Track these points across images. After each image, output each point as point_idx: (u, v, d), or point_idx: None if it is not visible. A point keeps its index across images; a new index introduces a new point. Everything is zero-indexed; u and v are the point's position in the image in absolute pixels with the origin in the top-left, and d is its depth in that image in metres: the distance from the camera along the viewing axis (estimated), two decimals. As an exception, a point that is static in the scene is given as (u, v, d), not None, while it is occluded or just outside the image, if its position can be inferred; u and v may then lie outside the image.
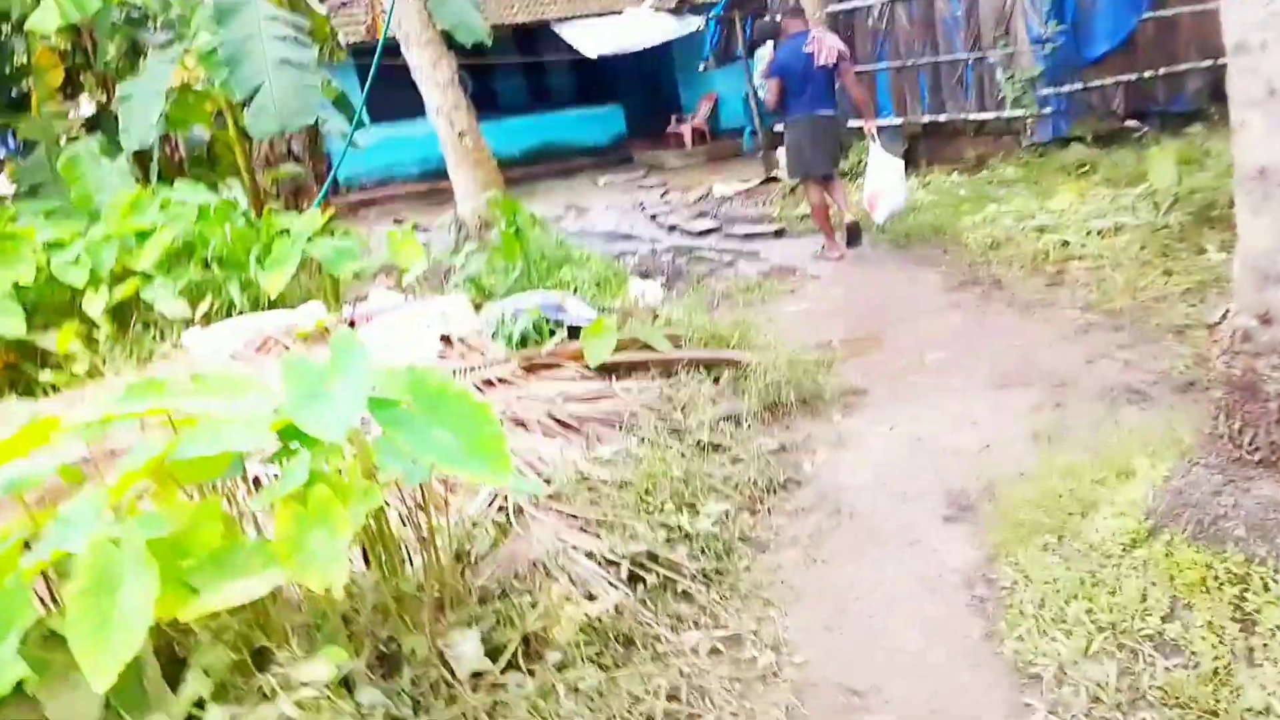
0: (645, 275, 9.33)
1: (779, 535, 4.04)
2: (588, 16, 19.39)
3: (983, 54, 11.44)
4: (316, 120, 12.25)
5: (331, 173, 10.21)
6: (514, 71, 21.42)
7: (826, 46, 8.66)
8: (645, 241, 11.52)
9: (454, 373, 5.54)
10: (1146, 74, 11.20)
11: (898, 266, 8.49)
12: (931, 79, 12.17)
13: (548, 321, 6.26)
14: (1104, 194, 8.86)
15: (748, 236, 10.69)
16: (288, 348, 5.54)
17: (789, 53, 8.81)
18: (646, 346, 5.93)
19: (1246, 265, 3.13)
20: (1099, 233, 7.57)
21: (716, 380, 5.58)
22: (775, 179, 13.43)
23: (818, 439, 5.03)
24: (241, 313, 6.48)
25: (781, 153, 13.41)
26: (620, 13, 19.53)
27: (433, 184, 19.19)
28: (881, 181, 9.08)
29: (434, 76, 10.23)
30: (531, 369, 5.61)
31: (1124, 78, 11.14)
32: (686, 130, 19.38)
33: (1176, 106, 11.41)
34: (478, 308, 6.85)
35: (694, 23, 18.24)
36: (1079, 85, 10.96)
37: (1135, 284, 6.52)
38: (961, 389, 5.49)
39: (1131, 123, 11.15)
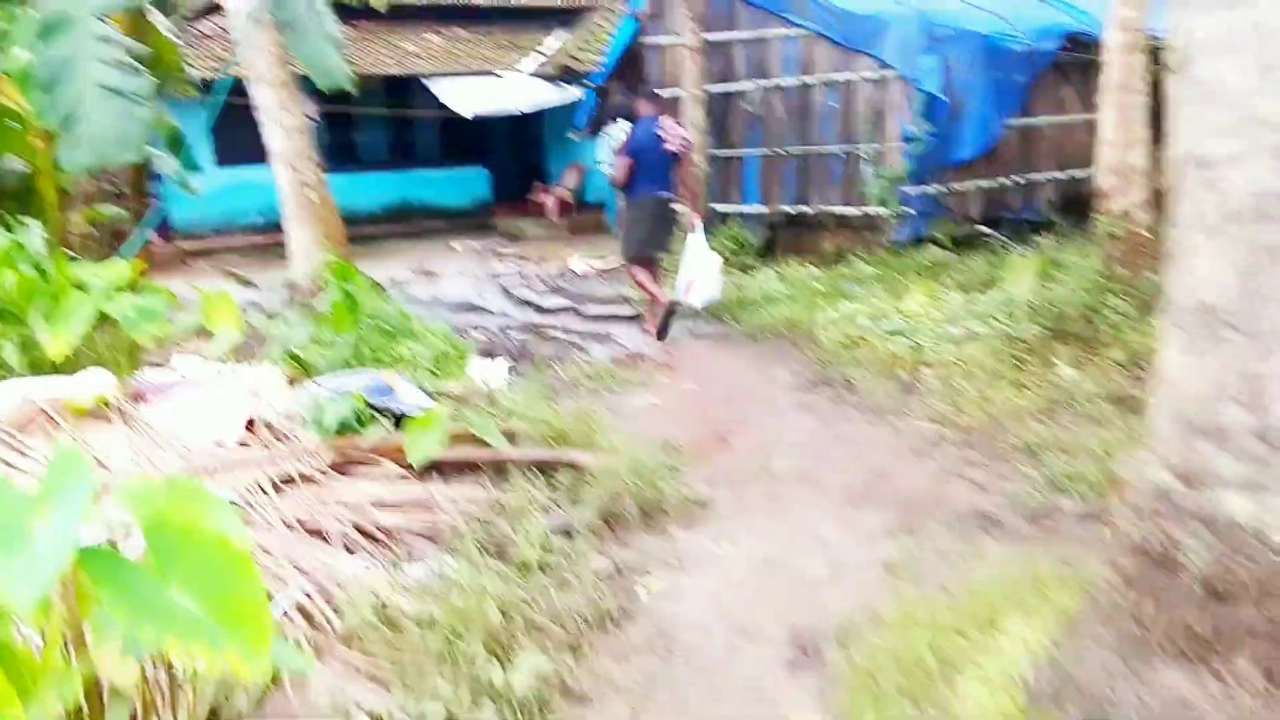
0: (490, 354, 8.84)
1: (604, 684, 3.56)
2: (463, 74, 18.98)
3: (853, 148, 11.48)
4: (146, 158, 11.48)
5: (146, 218, 9.35)
6: (378, 124, 20.78)
7: (676, 133, 8.98)
8: (495, 315, 11.04)
9: (250, 465, 4.93)
10: (1004, 181, 11.41)
11: (750, 360, 8.24)
12: (800, 169, 12.16)
13: (372, 408, 5.71)
14: (956, 298, 8.85)
15: (601, 318, 10.33)
16: (58, 424, 4.82)
17: (644, 134, 8.94)
18: (480, 442, 5.43)
19: (1170, 412, 2.72)
20: (952, 339, 7.47)
21: (554, 483, 5.13)
22: (636, 257, 13.16)
23: (656, 558, 4.60)
24: (11, 377, 5.69)
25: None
26: (497, 74, 19.20)
27: (277, 236, 18.25)
28: (698, 270, 9.26)
29: (280, 119, 9.62)
30: (345, 465, 5.04)
31: (983, 183, 11.32)
32: (550, 200, 19.06)
33: (1028, 215, 11.67)
34: (296, 385, 6.23)
35: (572, 93, 18.05)
36: (941, 188, 11.07)
37: (986, 396, 6.38)
38: (811, 502, 5.18)
39: (985, 229, 11.31)
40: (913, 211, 10.99)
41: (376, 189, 19.72)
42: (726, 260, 11.62)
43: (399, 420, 5.69)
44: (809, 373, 7.58)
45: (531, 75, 19.15)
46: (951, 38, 10.90)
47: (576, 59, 18.46)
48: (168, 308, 7.07)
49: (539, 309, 11.07)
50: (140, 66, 8.91)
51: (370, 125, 20.73)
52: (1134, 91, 7.01)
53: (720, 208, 12.76)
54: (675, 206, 9.22)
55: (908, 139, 10.90)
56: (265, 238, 18.26)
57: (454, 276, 14.19)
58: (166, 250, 17.67)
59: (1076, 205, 11.95)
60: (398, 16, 19.76)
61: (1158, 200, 7.13)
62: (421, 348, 7.64)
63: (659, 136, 8.84)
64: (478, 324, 10.53)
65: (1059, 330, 6.83)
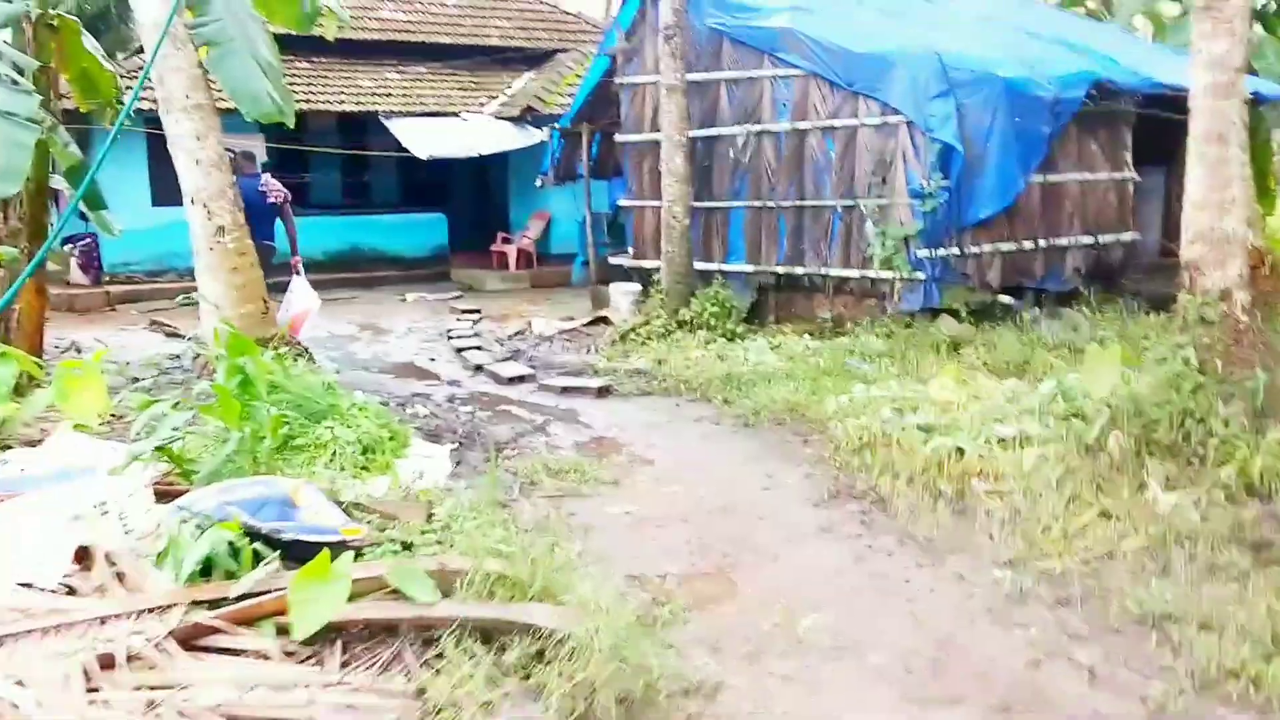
0: (434, 435, 7.34)
1: None
2: (423, 115, 17.60)
3: (854, 202, 10.15)
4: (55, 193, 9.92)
5: (33, 262, 7.70)
6: (331, 164, 19.32)
7: (274, 188, 10.36)
8: (443, 384, 9.53)
9: (58, 630, 3.40)
10: (1026, 245, 10.13)
11: (749, 456, 6.79)
12: (793, 224, 10.81)
13: (261, 535, 4.18)
14: (990, 386, 7.49)
15: (566, 390, 8.85)
16: None
17: (249, 189, 9.60)
18: (398, 592, 3.92)
19: None
20: (1003, 443, 6.07)
21: (503, 661, 3.62)
22: (605, 319, 11.74)
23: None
24: None
25: (615, 288, 11.80)
26: (458, 115, 17.84)
27: (214, 281, 16.73)
28: (297, 307, 9.53)
29: (195, 152, 8.11)
30: (195, 637, 3.51)
31: (1003, 246, 10.03)
32: (513, 251, 17.64)
33: (1053, 284, 10.41)
34: (165, 496, 4.69)
35: (536, 135, 16.71)
36: (955, 250, 9.76)
37: (1067, 529, 4.96)
38: (857, 691, 3.71)
39: (1006, 298, 10.01)
40: (924, 276, 9.66)
41: (326, 234, 18.17)
42: (709, 326, 10.29)
43: (301, 550, 4.17)
44: (824, 478, 6.13)
45: (494, 117, 17.80)
46: (969, 81, 9.64)
47: (542, 100, 17.13)
48: (14, 377, 5.54)
49: (494, 377, 9.57)
50: (26, 85, 7.44)
51: (323, 165, 19.24)
52: (1229, 144, 5.71)
53: (702, 265, 11.38)
54: (272, 249, 10.43)
55: (918, 194, 9.59)
56: (200, 283, 16.67)
57: (402, 334, 12.69)
58: (93, 294, 16.02)
59: (1105, 274, 10.72)
60: (356, 52, 18.37)
61: (1254, 276, 5.81)
62: (348, 432, 6.13)
63: (262, 192, 10.12)
64: (424, 394, 9.04)
65: (1147, 439, 5.43)
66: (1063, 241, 10.47)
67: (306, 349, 8.12)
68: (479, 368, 9.98)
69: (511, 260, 17.68)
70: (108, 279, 16.40)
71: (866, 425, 6.65)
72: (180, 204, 16.60)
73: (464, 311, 14.04)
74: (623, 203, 12.90)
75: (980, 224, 9.86)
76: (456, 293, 16.51)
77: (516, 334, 11.82)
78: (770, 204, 10.97)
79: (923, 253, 9.63)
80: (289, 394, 6.09)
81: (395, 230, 18.92)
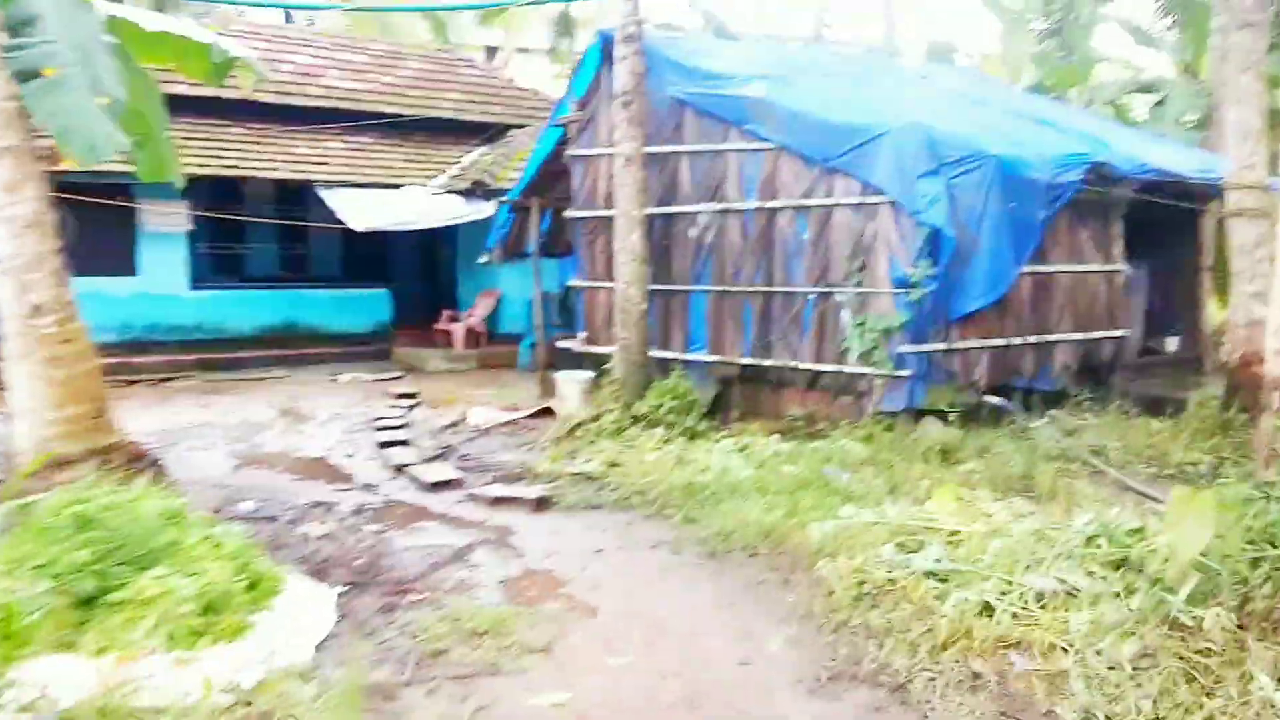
0: (321, 571, 5.67)
1: None
2: (362, 186, 16.09)
3: (830, 290, 8.74)
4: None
5: None
6: (268, 235, 17.69)
7: None
8: (355, 489, 7.86)
9: None
10: (1015, 341, 8.75)
11: (717, 604, 5.18)
12: (760, 312, 9.37)
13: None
14: (996, 509, 6.00)
15: (498, 502, 7.22)
16: None
17: None
18: None
19: None
20: (1039, 599, 4.55)
21: None
22: (550, 410, 10.15)
23: None
24: None
25: (563, 376, 10.25)
26: (399, 187, 16.36)
27: (126, 357, 14.91)
28: None
29: (3, 208, 6.27)
30: None
31: (992, 342, 8.64)
32: (459, 330, 16.05)
33: (1043, 383, 9.03)
34: None
35: (484, 209, 15.24)
36: (942, 345, 8.35)
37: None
38: None
39: (993, 399, 8.60)
40: (908, 374, 8.22)
41: (259, 307, 16.48)
42: (667, 423, 8.73)
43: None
44: (818, 644, 4.54)
45: (443, 190, 16.32)
46: (960, 159, 8.33)
47: (493, 174, 15.70)
48: None
49: (417, 482, 7.92)
50: None
51: (259, 236, 17.61)
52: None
53: (660, 354, 9.89)
54: None
55: (902, 282, 8.21)
56: (116, 358, 14.85)
57: (325, 421, 10.96)
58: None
59: (1094, 373, 9.37)
60: (297, 118, 16.89)
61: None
62: (186, 582, 4.45)
63: None
64: (328, 503, 7.35)
65: (1240, 608, 3.95)
66: (1052, 337, 9.12)
67: (155, 461, 6.40)
68: (400, 469, 8.33)
69: (458, 340, 16.08)
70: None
71: (864, 568, 5.11)
72: (97, 272, 15.09)
73: (399, 396, 12.37)
74: (573, 283, 11.42)
75: (968, 317, 8.47)
76: (396, 373, 14.85)
77: (451, 425, 10.18)
78: (735, 289, 9.54)
79: (906, 348, 8.21)
80: (105, 530, 4.41)
81: (334, 305, 17.25)
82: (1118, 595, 4.40)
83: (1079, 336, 9.27)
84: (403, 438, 9.52)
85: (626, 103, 9.22)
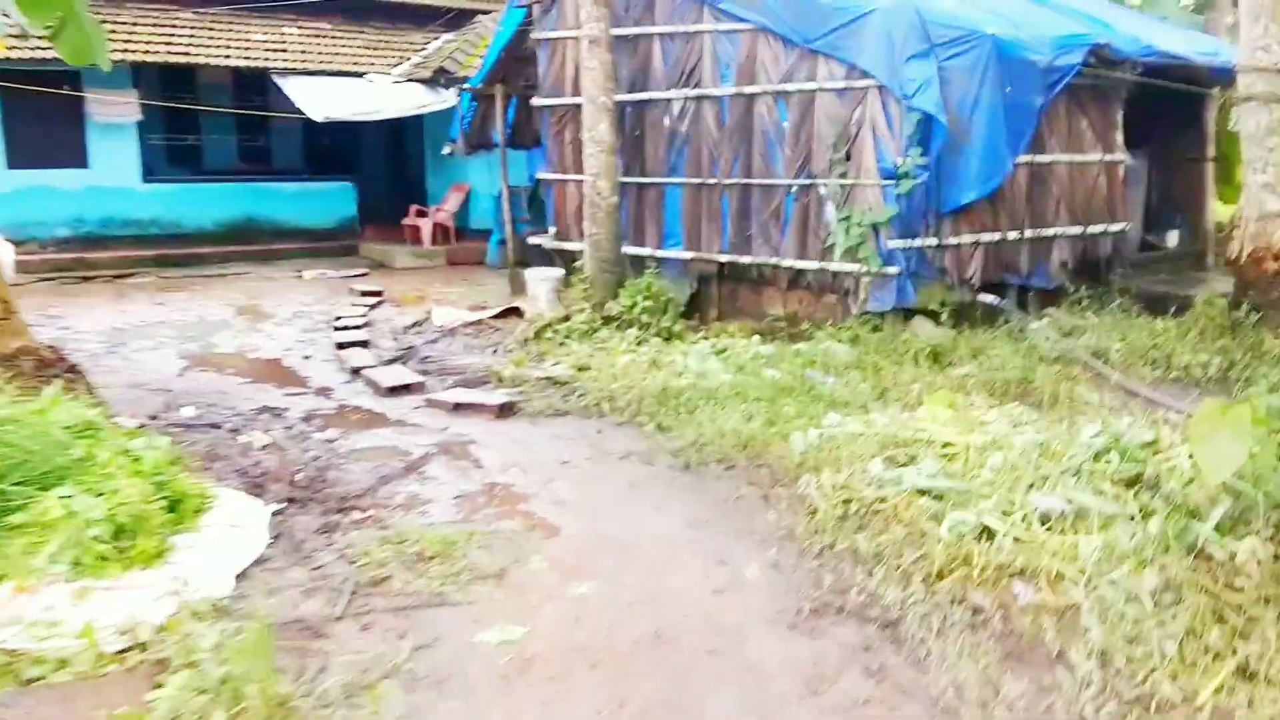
0: (259, 485, 5.15)
1: None
2: (320, 74, 15.11)
3: (812, 181, 8.11)
4: None
5: None
6: (225, 126, 16.73)
7: None
8: (308, 393, 7.31)
9: None
10: (1011, 235, 8.18)
11: (693, 519, 4.71)
12: (738, 206, 8.73)
13: None
14: (993, 416, 5.54)
15: (459, 408, 6.68)
16: None
17: None
18: None
19: None
20: (1044, 520, 4.08)
21: None
22: (518, 310, 9.55)
23: None
24: None
25: (532, 274, 9.62)
26: (361, 75, 15.38)
27: (80, 253, 14.14)
28: None
29: None
30: None
31: (985, 237, 8.06)
32: (427, 225, 15.29)
33: (1039, 280, 8.49)
34: None
35: (450, 98, 14.35)
36: (933, 240, 7.77)
37: (1193, 695, 2.99)
38: None
39: (987, 297, 8.06)
40: (896, 271, 7.66)
41: (217, 202, 15.65)
42: (640, 324, 8.18)
43: None
44: (800, 570, 4.08)
45: (404, 79, 15.37)
46: (953, 39, 7.63)
47: (458, 61, 14.74)
48: None
49: (373, 385, 7.37)
50: None
51: (216, 127, 16.66)
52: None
53: (633, 250, 9.27)
54: None
55: (890, 173, 7.59)
56: (69, 254, 14.09)
57: (285, 320, 10.37)
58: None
59: (1092, 269, 8.84)
60: (249, 3, 15.80)
61: None
62: (96, 503, 3.91)
63: None
64: (277, 408, 6.82)
65: (1278, 538, 3.49)
66: (1049, 232, 8.54)
67: (72, 367, 5.78)
68: (357, 371, 7.76)
69: (426, 235, 15.36)
70: (-43, 249, 13.68)
71: (850, 484, 4.62)
72: (46, 165, 14.20)
73: (363, 294, 11.74)
74: (541, 176, 10.70)
75: (961, 210, 7.88)
76: (362, 270, 14.17)
77: (414, 325, 9.58)
78: (712, 181, 8.88)
79: (895, 243, 7.63)
80: (2, 445, 3.85)
81: (297, 200, 16.41)
82: (1132, 518, 3.94)
83: (1077, 231, 8.70)
84: (363, 338, 8.94)
85: (594, -23, 8.42)
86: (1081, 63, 8.15)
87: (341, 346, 8.63)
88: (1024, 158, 8.14)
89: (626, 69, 9.29)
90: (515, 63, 11.20)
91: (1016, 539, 3.98)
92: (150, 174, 15.11)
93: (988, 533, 4.05)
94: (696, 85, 8.95)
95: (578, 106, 9.12)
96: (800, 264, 8.26)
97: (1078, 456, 4.52)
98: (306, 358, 8.58)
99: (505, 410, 6.59)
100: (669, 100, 9.12)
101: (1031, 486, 4.37)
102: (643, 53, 9.29)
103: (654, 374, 7.06)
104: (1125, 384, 6.54)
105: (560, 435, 6.14)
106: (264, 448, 5.90)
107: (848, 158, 7.81)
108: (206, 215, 15.46)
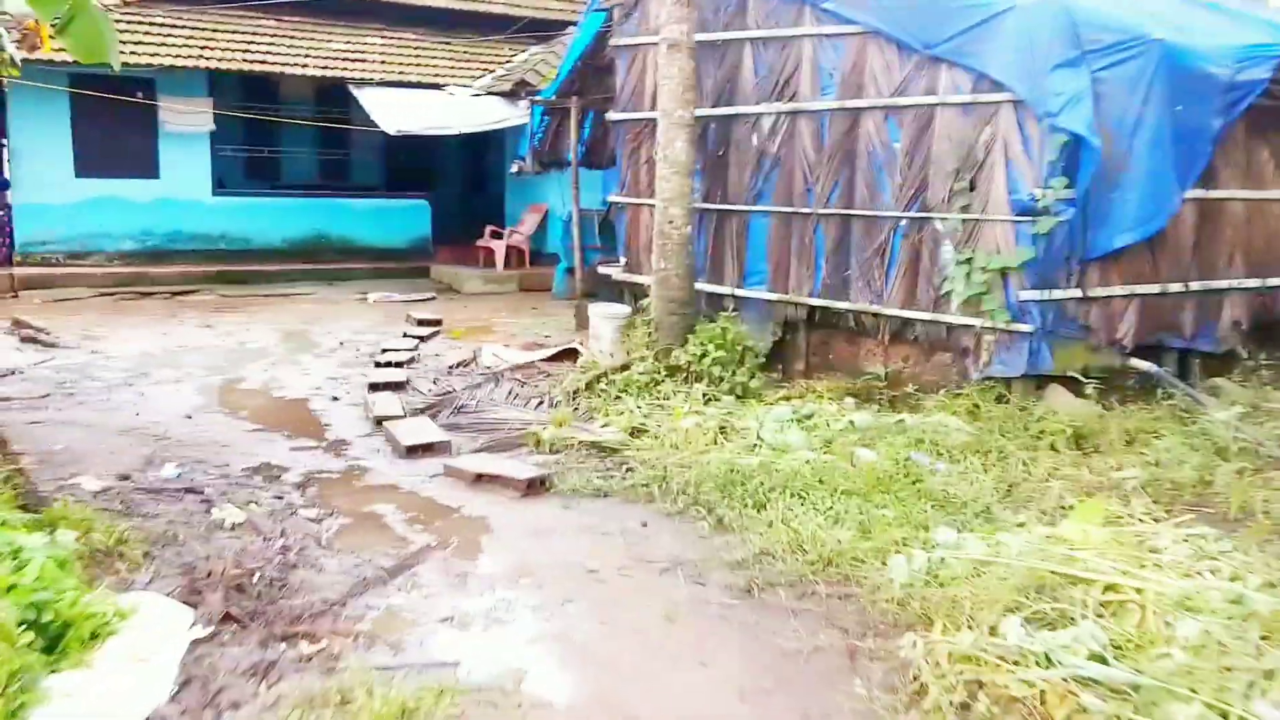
0: (204, 587, 3.97)
1: None
2: (400, 85, 14.23)
3: (927, 214, 6.67)
4: None
5: None
6: (305, 139, 16.00)
7: None
8: (317, 449, 6.18)
9: None
10: (1173, 287, 6.61)
11: (752, 685, 3.35)
12: (835, 241, 7.31)
13: None
14: (1169, 539, 4.05)
15: (481, 480, 5.45)
16: None
17: None
18: None
19: None
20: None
21: None
22: (575, 352, 8.31)
23: None
24: None
25: (595, 310, 8.37)
26: (441, 87, 14.46)
27: (144, 267, 13.46)
28: None
29: None
30: None
31: (1141, 289, 6.51)
32: (501, 247, 14.24)
33: (1205, 343, 6.87)
34: None
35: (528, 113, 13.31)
36: (1075, 292, 6.25)
37: None
38: None
39: (1142, 364, 6.49)
40: (1029, 329, 6.16)
41: (289, 217, 14.89)
42: (711, 377, 6.87)
43: None
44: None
45: (483, 92, 14.37)
46: (1110, 45, 6.13)
47: (539, 74, 13.65)
48: None
49: (392, 442, 6.19)
50: None
51: (293, 139, 15.94)
52: None
53: (709, 287, 7.96)
54: None
55: (1026, 208, 6.11)
56: (133, 268, 13.42)
57: (327, 352, 9.36)
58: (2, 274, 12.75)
59: (1271, 331, 7.19)
60: (332, 10, 15.05)
61: None
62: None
63: None
64: (275, 468, 5.71)
65: None
66: (1220, 284, 6.93)
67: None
68: (380, 422, 6.60)
69: (499, 258, 14.31)
70: (19, 259, 13.12)
71: (974, 656, 3.21)
72: (112, 175, 13.56)
73: (420, 323, 10.69)
74: (613, 199, 9.45)
75: (1112, 255, 6.34)
76: (429, 294, 13.17)
77: (459, 366, 8.40)
78: (805, 211, 7.49)
79: (1028, 294, 6.13)
80: None
81: (371, 217, 15.57)
82: None
83: (1255, 283, 7.05)
84: (400, 379, 7.81)
85: (675, -29, 7.15)
86: (1269, 79, 6.55)
87: (374, 388, 7.51)
88: (1192, 193, 6.57)
89: (711, 79, 8.01)
90: (593, 73, 10.03)
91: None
92: (220, 186, 14.42)
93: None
94: (792, 98, 7.60)
95: (655, 122, 7.86)
96: (907, 314, 6.80)
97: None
98: (335, 399, 7.50)
99: (534, 487, 5.32)
100: (759, 115, 7.79)
101: (1252, 686, 2.91)
102: (731, 60, 7.99)
103: (721, 446, 5.72)
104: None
105: (593, 528, 4.84)
106: (234, 528, 4.76)
107: (972, 187, 6.35)
108: (276, 231, 14.70)
